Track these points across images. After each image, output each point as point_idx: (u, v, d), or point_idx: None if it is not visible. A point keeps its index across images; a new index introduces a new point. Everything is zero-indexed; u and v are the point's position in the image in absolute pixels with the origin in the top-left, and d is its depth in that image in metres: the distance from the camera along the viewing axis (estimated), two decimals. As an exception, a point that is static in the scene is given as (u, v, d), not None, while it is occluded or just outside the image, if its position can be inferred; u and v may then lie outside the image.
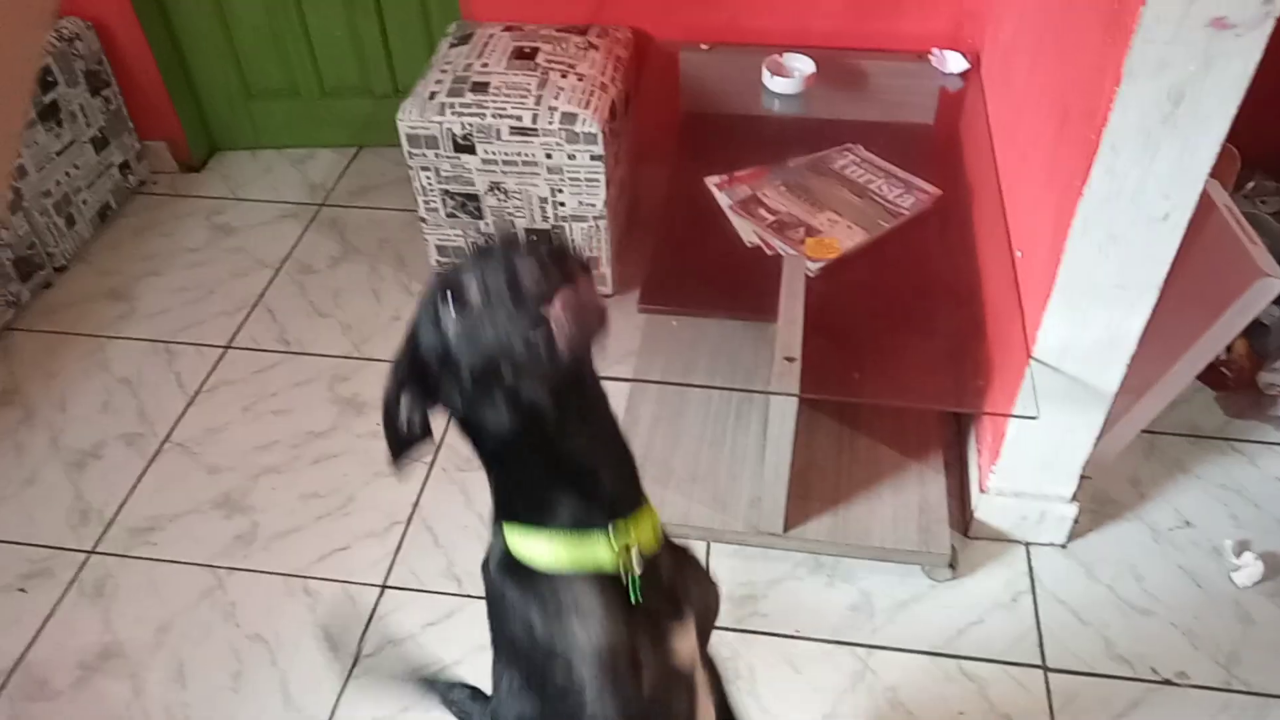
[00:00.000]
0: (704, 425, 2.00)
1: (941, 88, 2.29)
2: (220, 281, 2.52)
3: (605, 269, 2.32)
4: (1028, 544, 1.88)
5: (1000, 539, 1.88)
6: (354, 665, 1.75)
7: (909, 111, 2.31)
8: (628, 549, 0.87)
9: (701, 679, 0.96)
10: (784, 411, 1.61)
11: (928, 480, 1.88)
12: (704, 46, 2.39)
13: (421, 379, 0.85)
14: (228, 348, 2.34)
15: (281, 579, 1.88)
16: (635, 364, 2.09)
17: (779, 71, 2.24)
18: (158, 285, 2.52)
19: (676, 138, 2.30)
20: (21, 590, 1.89)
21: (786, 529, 1.80)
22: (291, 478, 2.04)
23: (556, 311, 0.77)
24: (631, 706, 0.86)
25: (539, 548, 0.87)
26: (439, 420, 0.88)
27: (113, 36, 2.61)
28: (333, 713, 1.68)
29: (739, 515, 1.83)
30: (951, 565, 1.79)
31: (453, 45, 2.32)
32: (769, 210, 1.96)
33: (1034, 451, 1.75)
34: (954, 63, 2.25)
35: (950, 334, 1.82)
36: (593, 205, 2.20)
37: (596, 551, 0.86)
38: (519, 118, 2.10)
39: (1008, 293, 1.73)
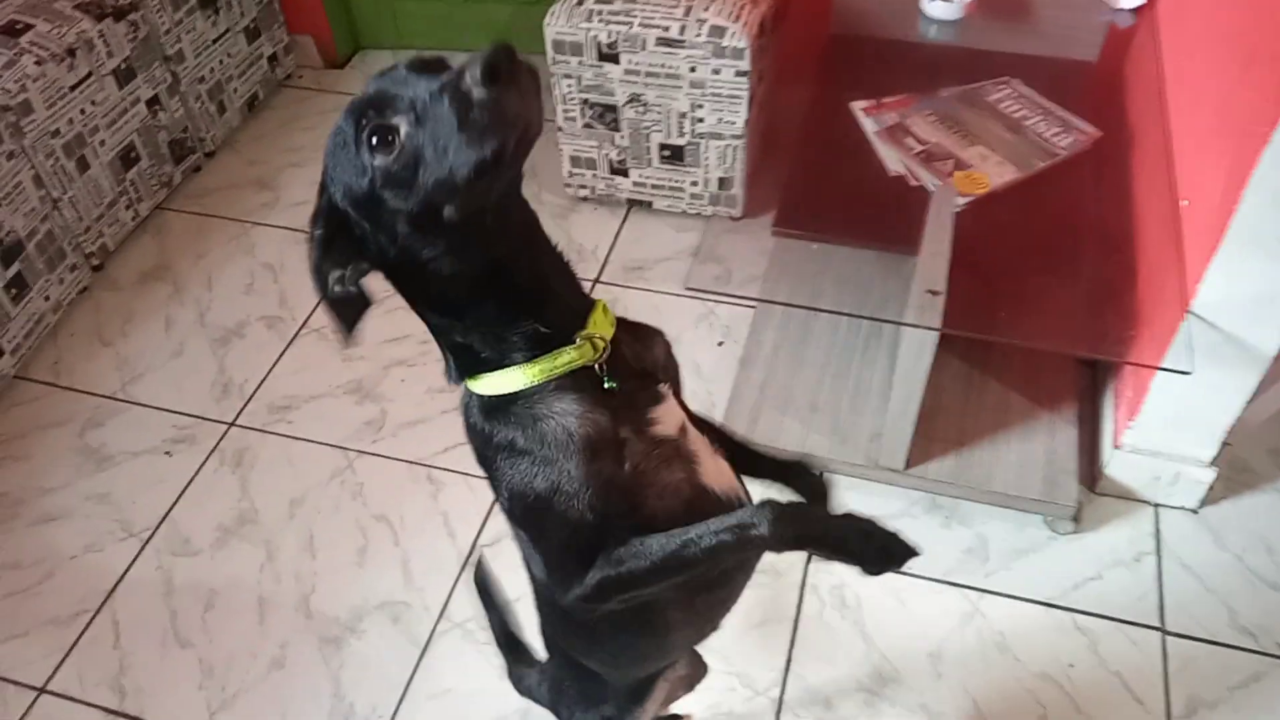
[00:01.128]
0: (828, 355, 1.99)
1: (1110, 23, 2.16)
2: (359, 177, 2.58)
3: (738, 189, 2.30)
4: (1157, 505, 1.82)
5: (1128, 497, 1.83)
6: (470, 553, 1.82)
7: (1073, 47, 2.19)
8: (590, 340, 0.85)
9: (700, 442, 0.93)
10: (920, 345, 1.58)
11: (1058, 430, 1.83)
12: (860, -34, 2.30)
13: (344, 235, 0.79)
14: (364, 241, 2.40)
15: (406, 466, 1.95)
16: (760, 288, 2.07)
17: (939, -5, 2.15)
18: (300, 177, 2.59)
19: (823, 59, 2.24)
20: (167, 454, 2.01)
21: (907, 466, 1.78)
22: (420, 371, 2.11)
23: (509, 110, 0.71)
24: (615, 483, 0.84)
25: (509, 380, 0.84)
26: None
27: (271, -73, 2.66)
28: (450, 595, 1.75)
29: (859, 448, 1.82)
30: (1075, 518, 1.76)
31: (603, -48, 2.28)
32: (917, 139, 1.90)
33: (1176, 410, 1.69)
34: (1128, -4, 2.12)
35: (1099, 281, 1.75)
36: (732, 123, 2.17)
37: (561, 357, 0.84)
38: (666, 28, 2.07)
39: (1166, 242, 1.65)
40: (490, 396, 0.86)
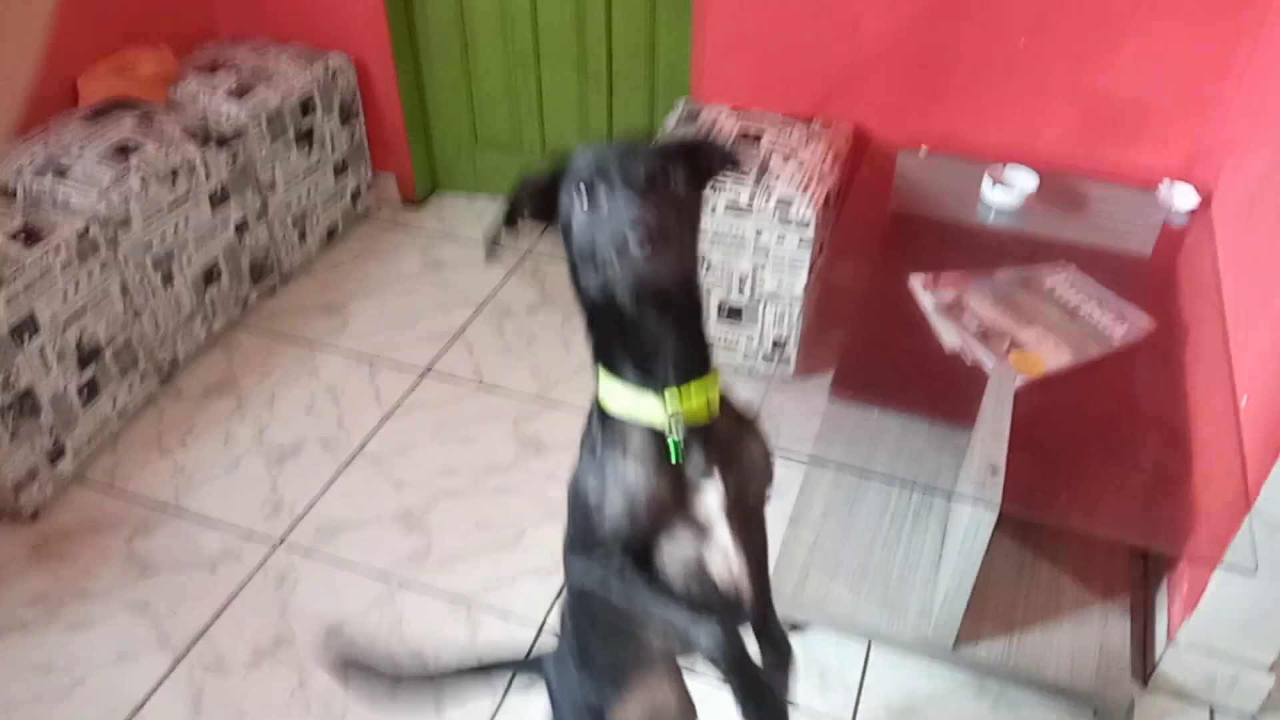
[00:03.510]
0: (879, 522, 1.98)
1: (1165, 222, 2.23)
2: (426, 311, 2.67)
3: (792, 351, 2.35)
4: (1213, 706, 1.76)
5: (1182, 697, 1.77)
6: (505, 695, 1.78)
7: (1128, 241, 2.26)
8: (674, 416, 1.00)
9: (728, 537, 1.06)
10: (979, 523, 1.58)
11: (1111, 621, 1.79)
12: (923, 151, 2.42)
13: (548, 200, 1.01)
14: (426, 372, 2.47)
15: (447, 600, 1.94)
16: (814, 447, 2.08)
17: (1000, 181, 2.24)
18: (369, 306, 2.69)
19: (883, 235, 2.32)
20: (212, 569, 2.01)
21: (956, 645, 1.75)
22: (469, 503, 2.12)
23: (640, 249, 0.90)
24: (635, 528, 1.03)
25: (613, 391, 1.03)
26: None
27: (369, 73, 2.85)
28: (480, 740, 1.72)
29: (908, 622, 1.79)
30: (1128, 715, 1.70)
31: (680, 120, 2.42)
32: (975, 316, 1.95)
33: (1236, 609, 1.65)
34: (1183, 196, 2.20)
35: (1155, 471, 1.75)
36: (792, 288, 2.24)
37: (651, 409, 1.01)
38: (737, 195, 2.17)
39: (1225, 437, 1.66)
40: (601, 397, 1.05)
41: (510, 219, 1.03)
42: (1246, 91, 2.10)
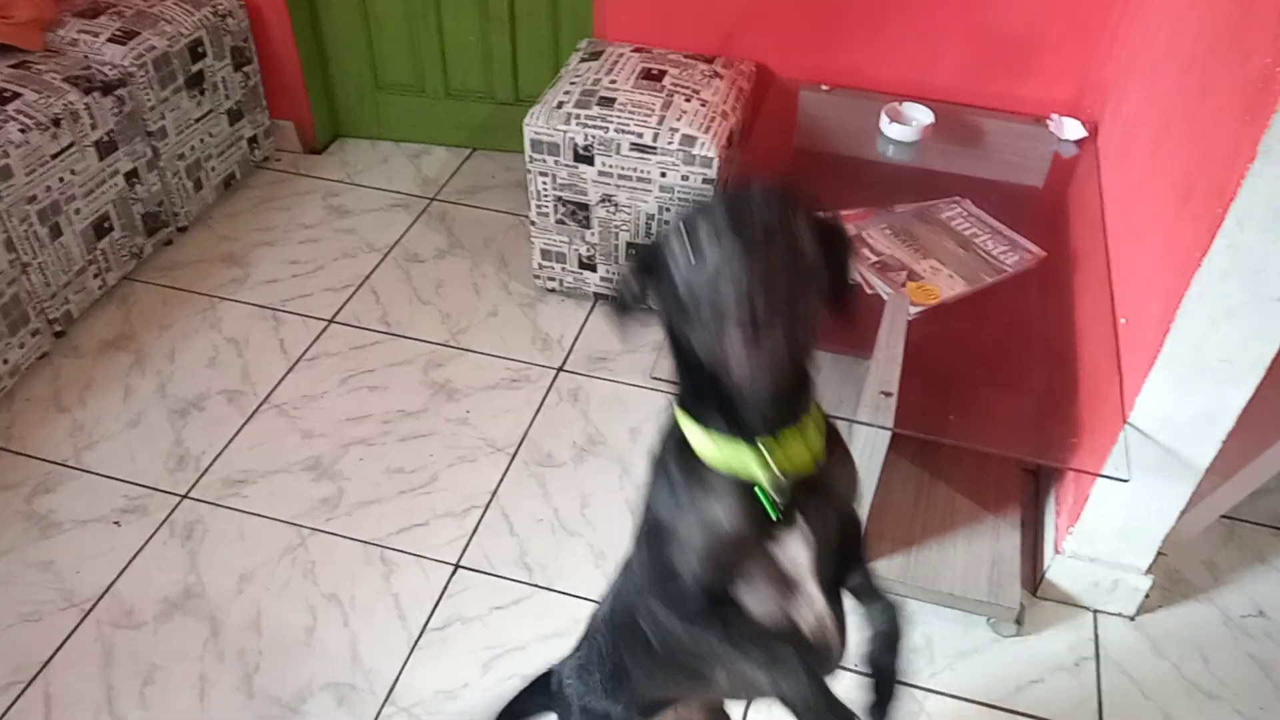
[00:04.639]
0: (784, 452, 2.03)
1: (1056, 152, 2.31)
2: (330, 259, 2.62)
3: (701, 291, 2.37)
4: (1096, 611, 1.87)
5: (1069, 602, 1.88)
6: (420, 635, 1.80)
7: (1020, 173, 2.33)
8: (774, 473, 0.91)
9: (817, 592, 0.98)
10: (874, 445, 1.64)
11: (1003, 534, 1.88)
12: (824, 88, 2.45)
13: (655, 271, 0.90)
14: (331, 321, 2.43)
15: (361, 546, 1.94)
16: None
17: (897, 119, 2.29)
18: (271, 256, 2.63)
19: (787, 171, 2.35)
20: (116, 523, 1.98)
21: (857, 562, 1.82)
22: (380, 451, 2.11)
23: (744, 339, 0.81)
24: (716, 576, 0.96)
25: (700, 440, 0.94)
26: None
27: (262, 17, 2.75)
28: (397, 679, 1.73)
29: (811, 543, 1.85)
30: (1018, 621, 1.80)
31: (583, 60, 2.40)
32: (872, 251, 2.00)
33: (1115, 518, 1.75)
34: (1071, 129, 2.28)
35: (1043, 391, 1.83)
36: (698, 227, 2.26)
37: (747, 462, 0.92)
38: (640, 134, 2.17)
39: (1106, 357, 1.75)
40: (685, 438, 0.96)
41: (622, 305, 0.94)
42: (1127, 26, 2.18)
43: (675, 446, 0.97)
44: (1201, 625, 1.86)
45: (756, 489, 0.93)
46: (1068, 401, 1.83)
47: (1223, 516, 1.99)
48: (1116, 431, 1.62)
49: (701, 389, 0.91)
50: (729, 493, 0.93)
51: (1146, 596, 1.83)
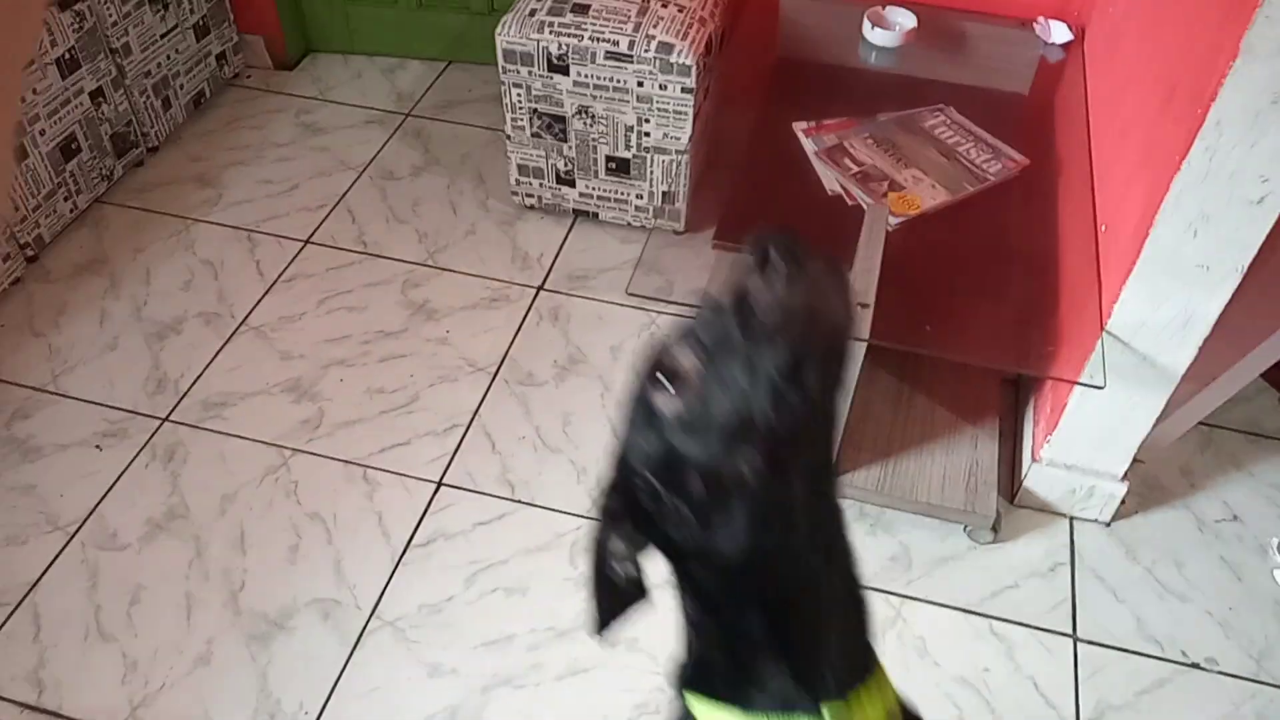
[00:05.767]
0: (764, 366, 2.03)
1: (1041, 57, 2.26)
2: (304, 178, 2.58)
3: (681, 204, 2.34)
4: (1072, 517, 1.89)
5: (1045, 509, 1.90)
6: (404, 552, 1.82)
7: (1005, 78, 2.28)
8: None
9: None
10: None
11: (981, 444, 1.89)
12: (805, -8, 2.38)
13: (635, 510, 0.66)
14: (307, 242, 2.40)
15: (342, 465, 1.95)
16: (701, 299, 2.11)
17: (879, 23, 2.23)
18: (244, 175, 2.58)
19: (768, 81, 2.30)
20: (97, 447, 1.98)
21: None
22: (359, 371, 2.11)
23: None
24: None
25: None
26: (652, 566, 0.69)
27: (224, -74, 2.66)
28: (382, 594, 1.75)
29: (790, 455, 1.86)
30: (994, 528, 1.82)
31: (556, -34, 2.32)
32: (854, 161, 1.97)
33: (1091, 426, 1.76)
34: (1058, 33, 2.22)
35: (1023, 301, 1.82)
36: (677, 139, 2.22)
37: None
38: (616, 42, 2.11)
39: (1086, 265, 1.73)
40: None
41: (603, 573, 0.68)
42: (1118, -79, 2.11)
43: None
44: (1175, 530, 1.89)
45: None
46: (1047, 311, 1.82)
47: (1200, 423, 2.00)
48: (1094, 340, 1.61)
49: (748, 649, 0.67)
50: None
51: (1122, 503, 1.85)
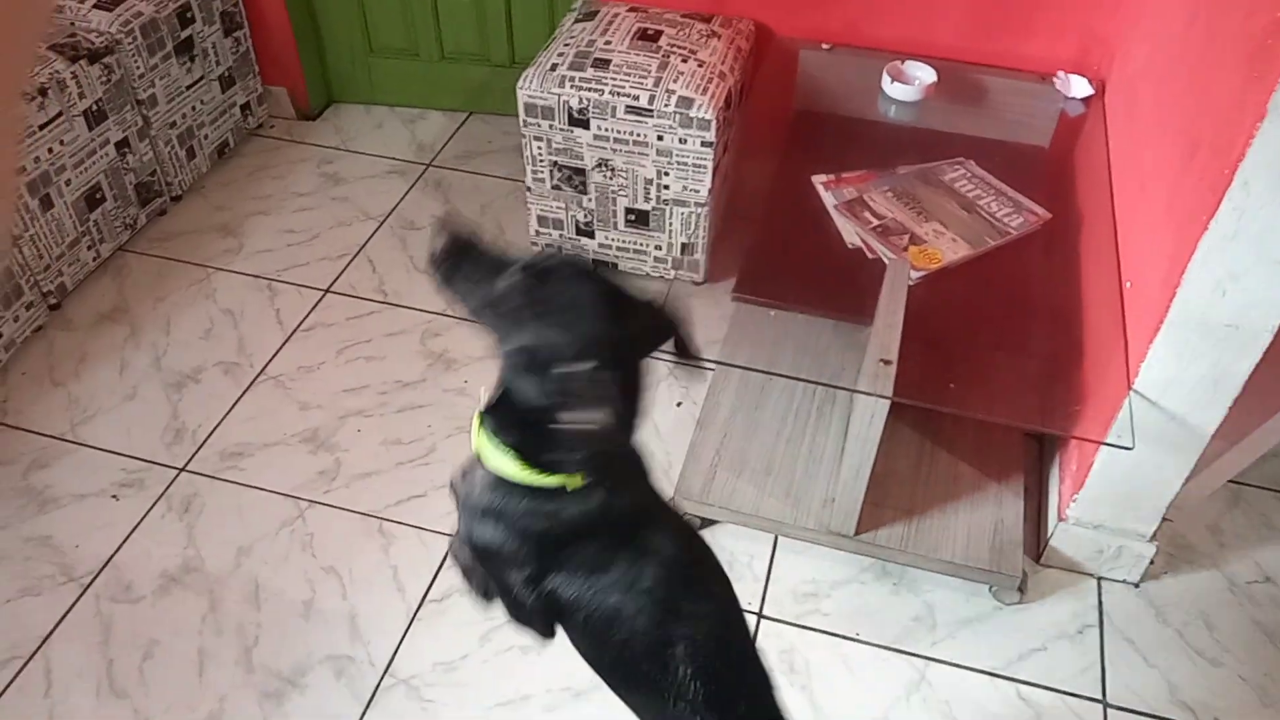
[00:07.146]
0: (784, 421, 2.01)
1: (1062, 111, 2.26)
2: (325, 228, 2.59)
3: (700, 255, 2.34)
4: (1100, 578, 1.85)
5: (1072, 569, 1.86)
6: (419, 607, 1.80)
7: (1026, 132, 2.28)
8: None
9: None
10: (873, 413, 1.61)
11: (1005, 502, 1.86)
12: (825, 46, 2.39)
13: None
14: (327, 291, 2.41)
15: (359, 517, 1.93)
16: (719, 351, 2.10)
17: (899, 78, 2.23)
18: (266, 225, 2.60)
19: (787, 134, 2.31)
20: (114, 497, 1.97)
21: (858, 532, 1.80)
22: (377, 422, 2.10)
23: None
24: None
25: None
26: None
27: (251, -19, 2.70)
28: (396, 650, 1.73)
29: (811, 513, 1.84)
30: (1020, 589, 1.78)
31: (577, 20, 2.35)
32: (874, 214, 1.96)
33: (1119, 485, 1.73)
34: (1078, 87, 2.22)
35: (1046, 357, 1.81)
36: (696, 191, 2.22)
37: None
38: (636, 97, 2.13)
39: (1111, 322, 1.71)
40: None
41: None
42: (1137, -22, 2.11)
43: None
44: (1206, 592, 1.84)
45: None
46: (1071, 368, 1.80)
47: (1230, 481, 1.96)
48: (1121, 398, 1.59)
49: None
50: None
51: (1151, 563, 1.81)
